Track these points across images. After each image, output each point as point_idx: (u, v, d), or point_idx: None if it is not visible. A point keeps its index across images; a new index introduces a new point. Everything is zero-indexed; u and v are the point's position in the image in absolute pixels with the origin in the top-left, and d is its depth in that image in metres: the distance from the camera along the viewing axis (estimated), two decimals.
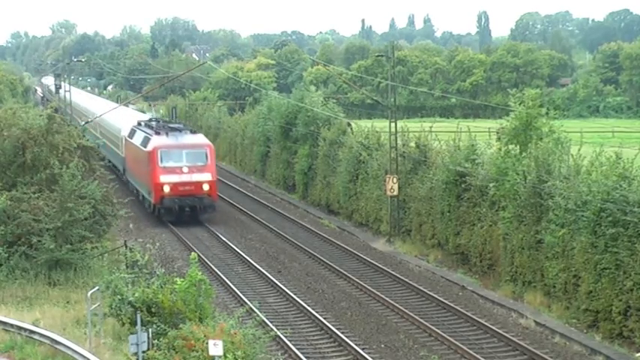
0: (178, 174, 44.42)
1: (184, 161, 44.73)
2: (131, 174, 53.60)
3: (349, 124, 50.46)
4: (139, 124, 53.26)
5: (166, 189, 44.26)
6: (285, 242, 41.93)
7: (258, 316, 22.93)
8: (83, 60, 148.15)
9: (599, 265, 26.59)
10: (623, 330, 25.84)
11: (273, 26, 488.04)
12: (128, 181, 55.04)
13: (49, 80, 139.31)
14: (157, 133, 46.62)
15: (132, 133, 52.60)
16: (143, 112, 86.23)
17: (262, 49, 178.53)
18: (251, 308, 26.66)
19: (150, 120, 55.59)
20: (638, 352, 24.87)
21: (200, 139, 47.40)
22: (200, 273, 23.14)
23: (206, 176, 44.84)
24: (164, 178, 44.39)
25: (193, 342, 20.18)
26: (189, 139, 46.60)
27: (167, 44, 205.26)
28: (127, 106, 77.43)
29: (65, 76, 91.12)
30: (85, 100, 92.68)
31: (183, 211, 45.08)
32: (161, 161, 44.48)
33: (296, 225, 46.07)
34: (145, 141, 47.12)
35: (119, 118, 61.45)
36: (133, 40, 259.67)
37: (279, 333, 25.84)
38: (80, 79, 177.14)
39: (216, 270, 35.86)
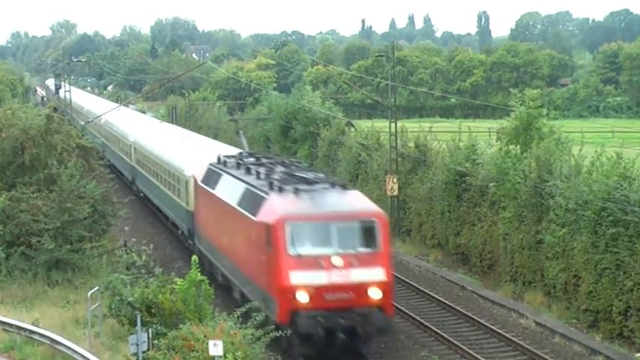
0: (325, 270, 23.54)
1: (335, 245, 23.75)
2: (212, 246, 31.47)
3: (350, 124, 50.47)
4: (224, 162, 31.78)
5: (302, 297, 23.54)
6: None
7: (258, 315, 22.79)
8: (83, 60, 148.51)
9: (599, 265, 26.56)
10: (623, 330, 25.81)
11: (273, 26, 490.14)
12: (202, 254, 31.83)
13: (52, 82, 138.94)
14: (277, 189, 25.26)
15: (212, 179, 31.43)
16: (143, 112, 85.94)
17: (262, 49, 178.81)
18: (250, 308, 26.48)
19: (241, 156, 32.85)
20: (638, 352, 24.84)
21: (359, 201, 25.52)
22: (199, 273, 23.15)
23: (375, 273, 23.89)
24: (298, 278, 23.52)
25: (193, 342, 20.15)
26: (338, 201, 24.95)
27: (167, 44, 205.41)
28: (127, 106, 75.95)
29: (65, 76, 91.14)
30: (107, 111, 63.95)
31: (334, 339, 23.66)
32: (292, 245, 23.56)
33: None
34: (253, 201, 25.98)
35: (177, 146, 41.83)
36: (133, 40, 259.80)
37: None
38: (80, 79, 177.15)
39: None
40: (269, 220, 24.02)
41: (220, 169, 31.00)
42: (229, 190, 28.74)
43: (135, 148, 50.06)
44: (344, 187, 26.22)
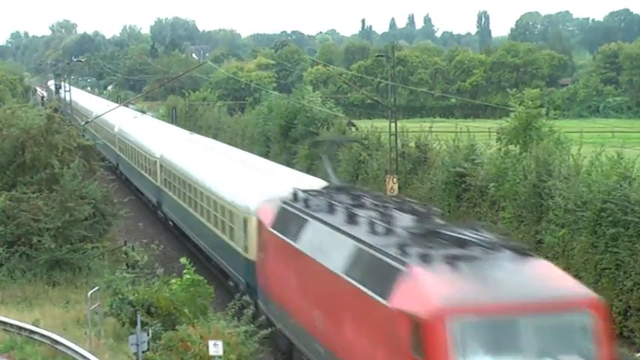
0: None
1: (529, 354, 13.63)
2: (293, 323, 21.32)
3: (351, 124, 50.49)
4: (304, 200, 21.91)
5: None
6: None
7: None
8: (83, 60, 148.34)
9: (599, 265, 26.59)
10: (623, 330, 25.83)
11: (273, 26, 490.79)
12: (271, 323, 23.03)
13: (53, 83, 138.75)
14: (418, 256, 15.07)
15: (289, 223, 21.70)
16: (143, 112, 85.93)
17: (262, 49, 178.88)
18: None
19: (330, 192, 22.30)
20: (638, 352, 24.87)
21: (557, 279, 14.75)
22: (193, 272, 23.25)
23: None
24: None
25: (189, 344, 20.15)
26: (523, 279, 14.49)
27: (167, 44, 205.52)
28: (127, 106, 75.64)
29: (65, 76, 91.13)
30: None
31: None
32: (462, 354, 13.46)
33: None
34: (379, 273, 15.92)
35: (225, 169, 33.13)
36: (133, 40, 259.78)
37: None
38: (80, 79, 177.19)
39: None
40: (418, 312, 14.20)
41: (302, 211, 21.34)
42: (325, 246, 19.03)
43: (162, 166, 40.85)
44: (522, 252, 15.34)
